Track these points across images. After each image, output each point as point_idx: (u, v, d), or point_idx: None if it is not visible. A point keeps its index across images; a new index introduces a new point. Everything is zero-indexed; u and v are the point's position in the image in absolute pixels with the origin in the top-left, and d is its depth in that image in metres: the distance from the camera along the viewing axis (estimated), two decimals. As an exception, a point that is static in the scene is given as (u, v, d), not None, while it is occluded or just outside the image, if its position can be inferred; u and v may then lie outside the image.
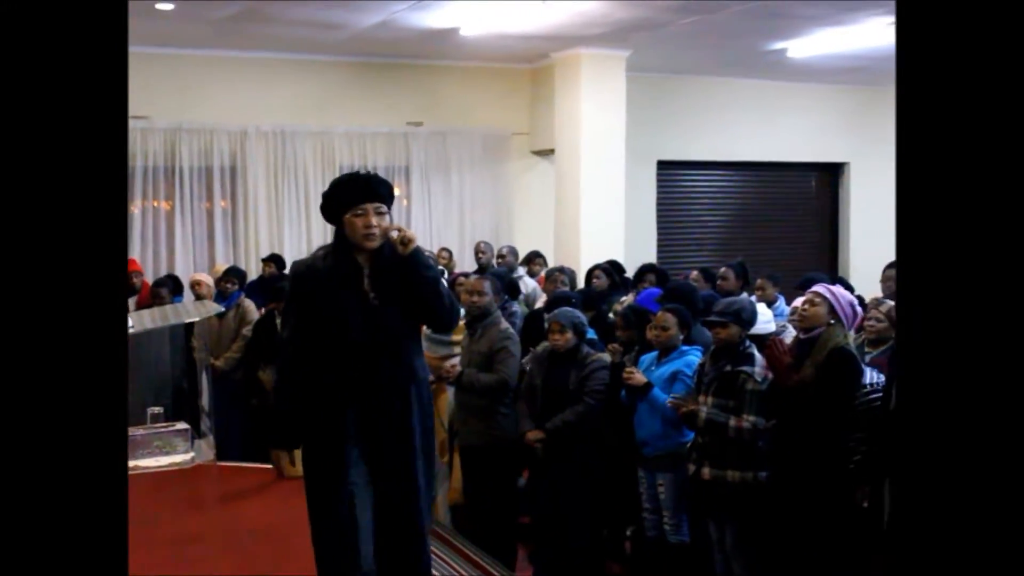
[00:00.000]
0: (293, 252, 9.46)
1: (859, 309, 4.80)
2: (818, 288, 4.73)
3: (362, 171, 3.59)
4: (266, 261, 8.87)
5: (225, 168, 9.57)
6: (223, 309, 7.50)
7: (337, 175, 9.92)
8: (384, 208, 3.39)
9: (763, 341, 4.89)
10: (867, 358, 5.05)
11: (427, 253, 3.56)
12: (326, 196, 3.45)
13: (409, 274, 3.36)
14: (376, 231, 3.35)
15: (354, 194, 3.38)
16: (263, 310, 7.62)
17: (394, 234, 3.35)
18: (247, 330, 7.48)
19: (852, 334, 4.87)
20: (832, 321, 4.59)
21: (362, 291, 3.40)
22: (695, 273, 7.73)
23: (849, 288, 7.15)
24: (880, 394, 4.43)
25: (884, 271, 6.81)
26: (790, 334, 5.61)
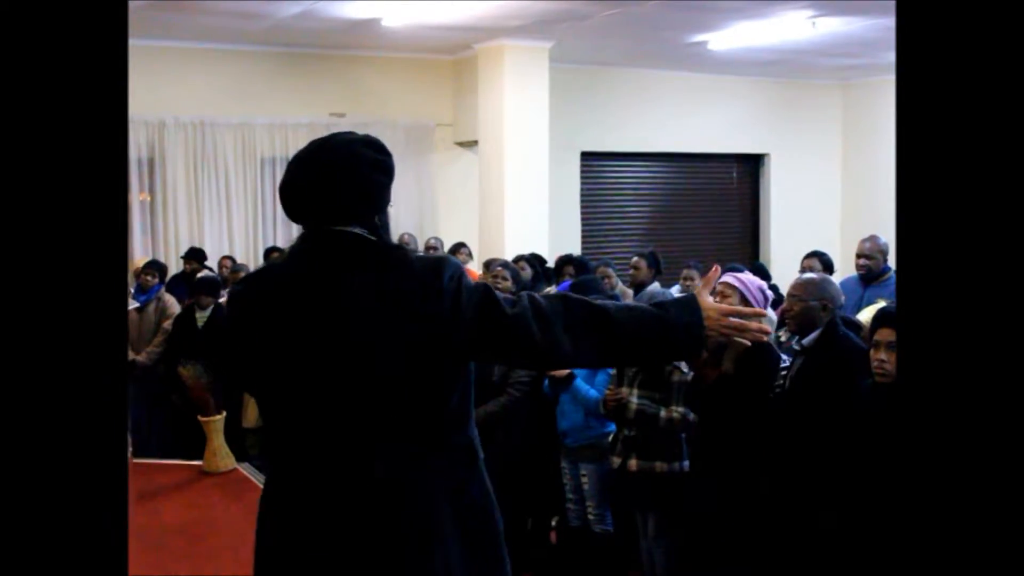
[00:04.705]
0: (214, 245, 9.33)
1: (769, 293, 4.80)
2: (726, 279, 4.61)
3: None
4: (187, 258, 8.71)
5: (143, 160, 9.37)
6: (139, 304, 7.41)
7: (258, 167, 9.86)
8: None
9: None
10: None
11: None
12: None
13: None
14: None
15: None
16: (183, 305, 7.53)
17: None
18: (168, 324, 7.39)
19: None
20: (744, 309, 4.63)
21: None
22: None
23: (765, 274, 7.23)
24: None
25: (803, 260, 6.94)
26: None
